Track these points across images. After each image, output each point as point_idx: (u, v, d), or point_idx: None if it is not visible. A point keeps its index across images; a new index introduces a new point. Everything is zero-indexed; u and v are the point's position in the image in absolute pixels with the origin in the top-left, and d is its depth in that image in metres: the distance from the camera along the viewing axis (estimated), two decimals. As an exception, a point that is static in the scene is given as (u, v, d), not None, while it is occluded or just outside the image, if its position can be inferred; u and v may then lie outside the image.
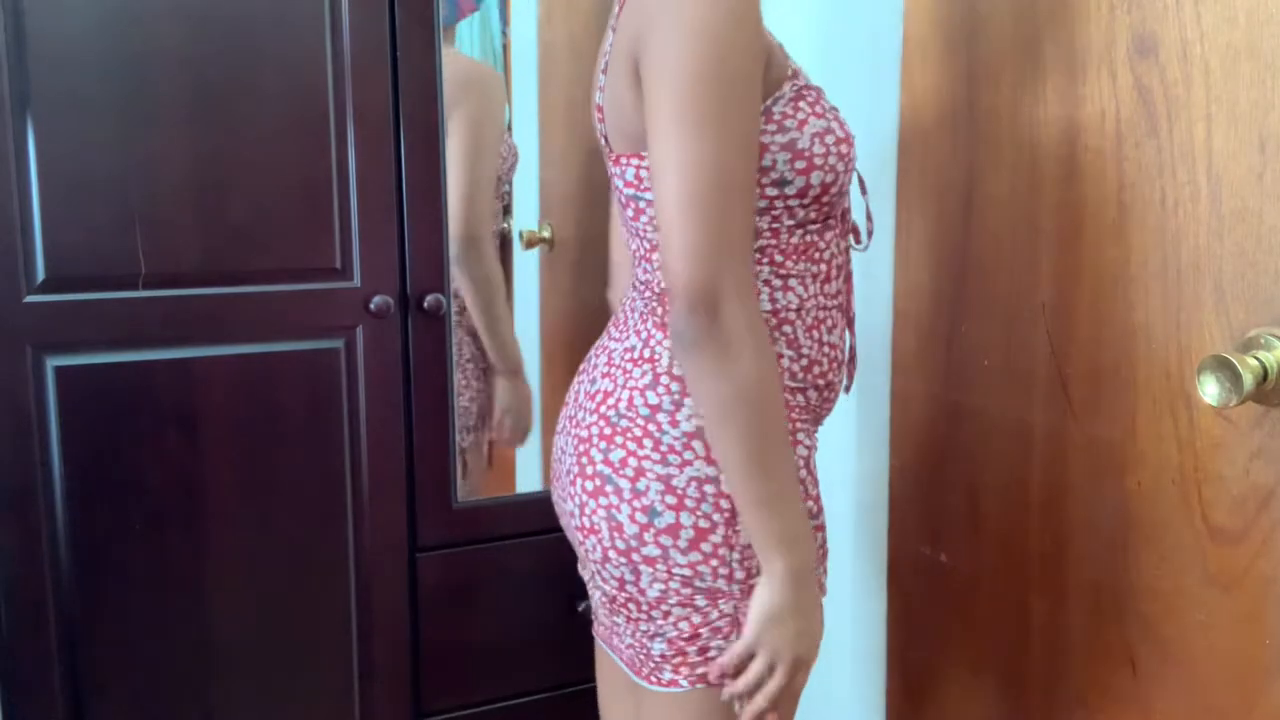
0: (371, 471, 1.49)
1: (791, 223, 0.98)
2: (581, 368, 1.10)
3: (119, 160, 1.32)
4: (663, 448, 0.97)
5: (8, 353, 1.30)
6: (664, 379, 0.98)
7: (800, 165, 0.95)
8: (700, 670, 0.98)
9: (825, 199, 0.98)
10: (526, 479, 1.80)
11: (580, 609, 1.60)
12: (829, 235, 1.01)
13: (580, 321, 1.72)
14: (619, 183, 1.02)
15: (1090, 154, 1.13)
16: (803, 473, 1.00)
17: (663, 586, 0.97)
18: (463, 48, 1.66)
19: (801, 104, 0.96)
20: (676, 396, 0.97)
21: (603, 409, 1.01)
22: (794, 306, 0.99)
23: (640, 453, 0.97)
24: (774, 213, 0.97)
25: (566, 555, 1.15)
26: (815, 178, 0.96)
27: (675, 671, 0.99)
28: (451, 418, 1.53)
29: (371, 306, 1.44)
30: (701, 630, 0.97)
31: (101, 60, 1.29)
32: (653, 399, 0.98)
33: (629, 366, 1.01)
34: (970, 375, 1.33)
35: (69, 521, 1.35)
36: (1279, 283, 0.95)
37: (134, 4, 1.30)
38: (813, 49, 1.59)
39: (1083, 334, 1.16)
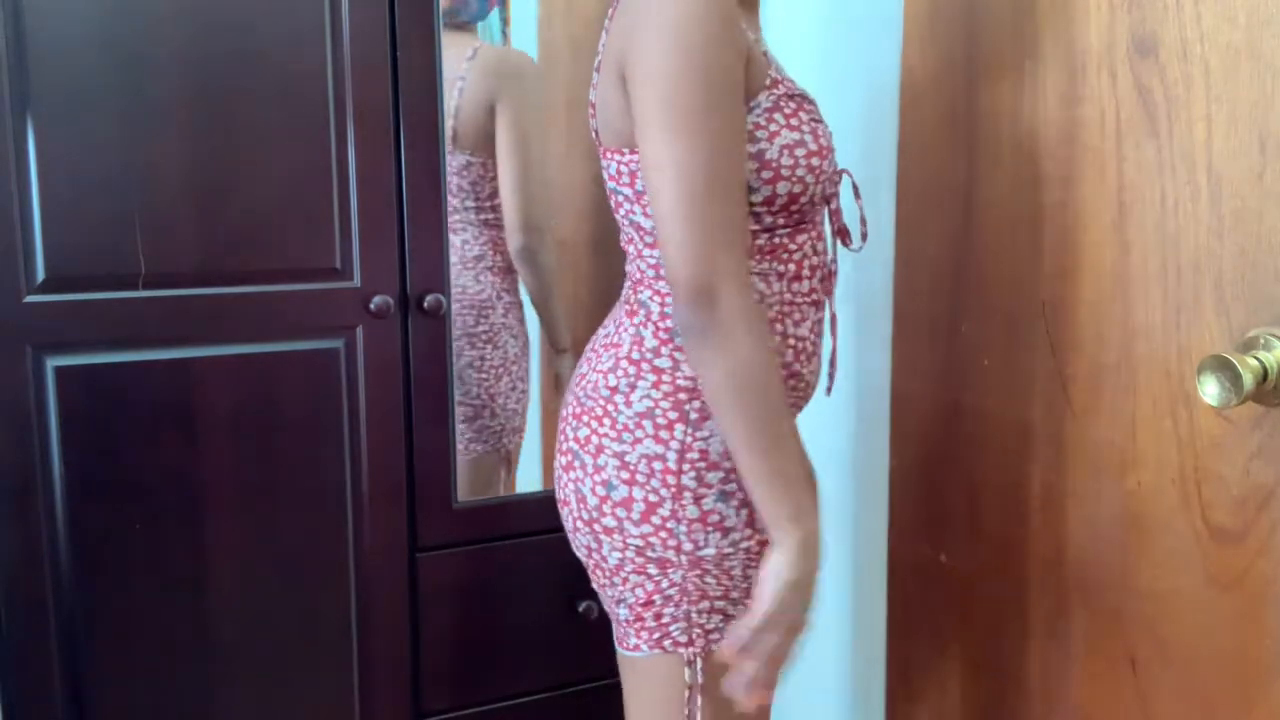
0: (371, 471, 1.49)
1: (758, 227, 1.01)
2: None
3: (119, 160, 1.32)
4: (618, 426, 1.03)
5: (8, 353, 1.30)
6: (623, 363, 1.05)
7: (767, 175, 0.98)
8: (657, 636, 1.04)
9: (794, 208, 1.02)
10: (526, 479, 1.80)
11: (580, 609, 1.60)
12: (801, 238, 1.04)
13: (581, 321, 1.72)
14: (605, 175, 1.07)
15: (1090, 154, 1.13)
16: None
17: (620, 555, 1.05)
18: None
19: (776, 115, 0.99)
20: (632, 379, 1.04)
21: (576, 390, 1.10)
22: (756, 300, 1.03)
23: (600, 430, 1.05)
24: (763, 213, 1.02)
25: (567, 555, 1.15)
26: (781, 188, 0.99)
27: (637, 636, 1.06)
28: (451, 418, 1.53)
29: (371, 306, 1.44)
30: (654, 598, 1.04)
31: (101, 60, 1.29)
32: (612, 380, 1.05)
33: (601, 351, 1.09)
34: (970, 375, 1.33)
35: (69, 521, 1.35)
36: (1279, 283, 0.95)
37: (134, 4, 1.30)
38: (812, 49, 1.59)
39: (1083, 334, 1.16)
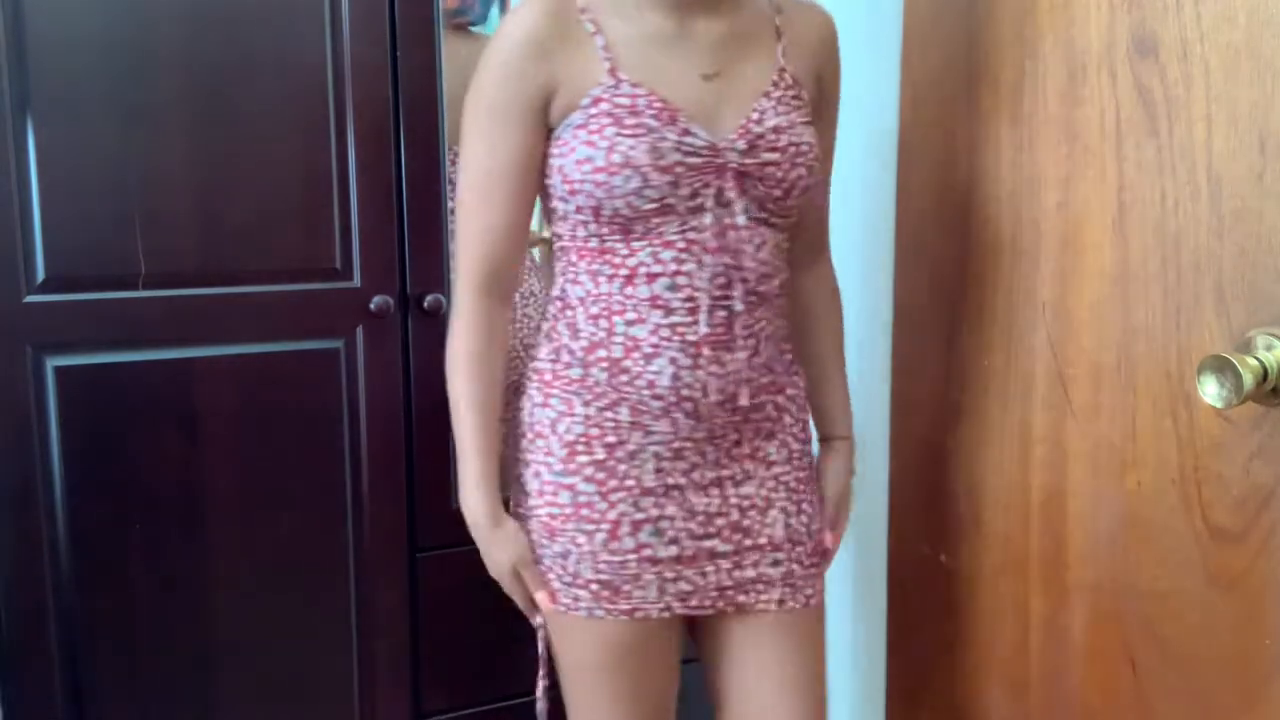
0: (371, 471, 1.49)
1: (584, 233, 1.10)
2: None
3: (119, 160, 1.32)
4: None
5: (8, 353, 1.30)
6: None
7: (566, 188, 1.08)
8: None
9: (608, 216, 1.07)
10: (526, 479, 1.80)
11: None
12: (637, 244, 1.08)
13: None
14: None
15: (1090, 154, 1.13)
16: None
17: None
18: (463, 48, 1.66)
19: (581, 132, 1.06)
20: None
21: None
22: (579, 296, 1.12)
23: None
24: (568, 221, 1.11)
25: (566, 555, 1.15)
26: (580, 200, 1.07)
27: None
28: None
29: (371, 306, 1.44)
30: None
31: (101, 60, 1.29)
32: None
33: None
34: (970, 375, 1.33)
35: (69, 522, 1.35)
36: (1279, 283, 0.95)
37: (134, 4, 1.30)
38: (813, 49, 1.58)
39: (1083, 334, 1.16)
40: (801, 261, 1.25)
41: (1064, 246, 1.18)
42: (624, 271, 1.09)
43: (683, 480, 1.14)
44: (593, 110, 1.06)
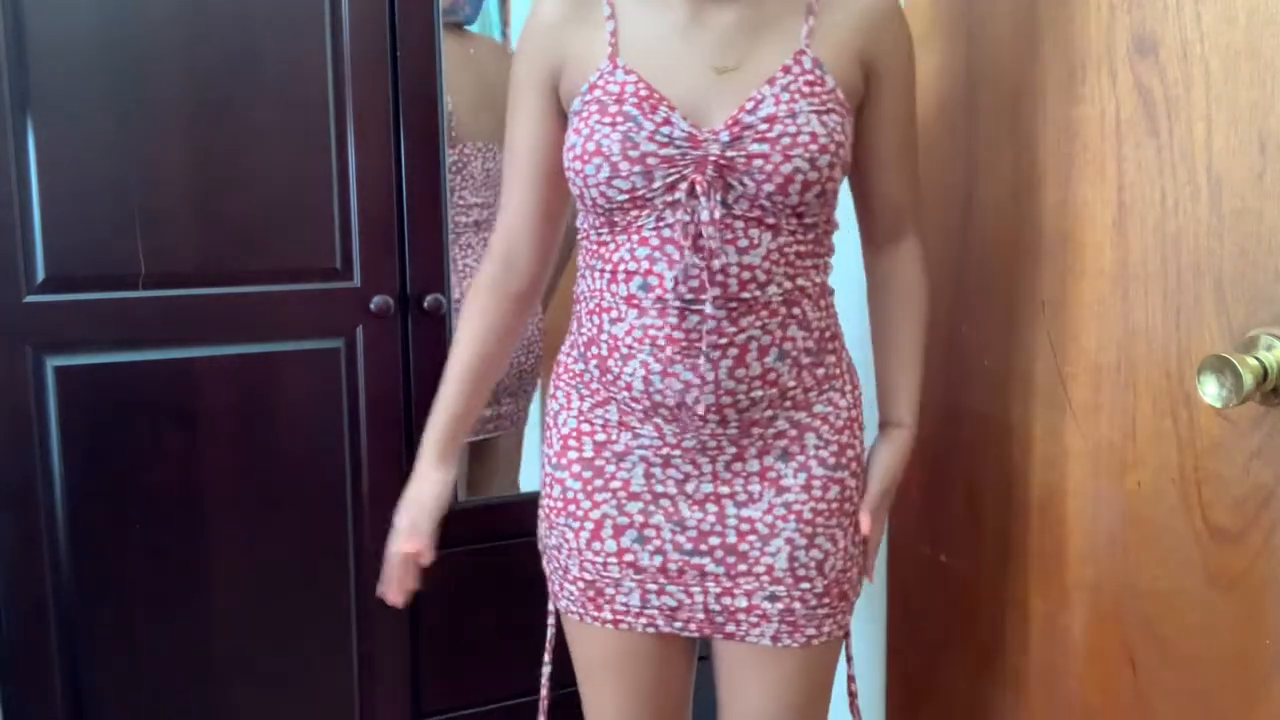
0: (371, 471, 1.49)
1: (585, 225, 1.09)
2: None
3: (119, 160, 1.32)
4: None
5: (8, 353, 1.30)
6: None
7: (568, 176, 1.07)
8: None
9: (588, 206, 1.06)
10: (528, 479, 1.80)
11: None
12: (620, 239, 1.05)
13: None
14: None
15: (1090, 154, 1.13)
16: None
17: None
18: (463, 48, 1.67)
19: (573, 119, 1.06)
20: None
21: None
22: (581, 291, 1.12)
23: None
24: (579, 213, 1.10)
25: (566, 555, 1.15)
26: (574, 189, 1.06)
27: None
28: (451, 418, 1.53)
29: (371, 306, 1.44)
30: None
31: (101, 60, 1.29)
32: None
33: None
34: (970, 375, 1.33)
35: (69, 521, 1.35)
36: (1279, 283, 0.95)
37: (134, 4, 1.30)
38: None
39: (1083, 334, 1.16)
40: (876, 245, 1.22)
41: (1064, 246, 1.17)
42: (609, 267, 1.06)
43: (674, 490, 1.09)
44: (587, 97, 1.04)
